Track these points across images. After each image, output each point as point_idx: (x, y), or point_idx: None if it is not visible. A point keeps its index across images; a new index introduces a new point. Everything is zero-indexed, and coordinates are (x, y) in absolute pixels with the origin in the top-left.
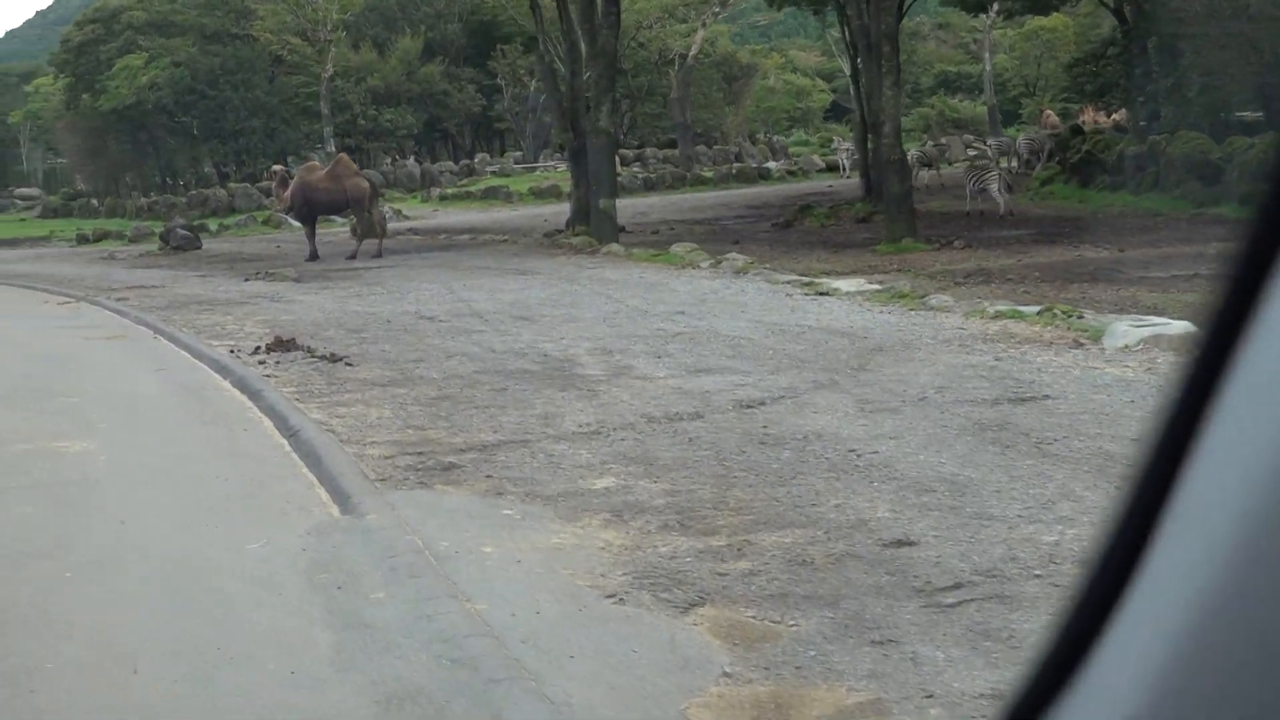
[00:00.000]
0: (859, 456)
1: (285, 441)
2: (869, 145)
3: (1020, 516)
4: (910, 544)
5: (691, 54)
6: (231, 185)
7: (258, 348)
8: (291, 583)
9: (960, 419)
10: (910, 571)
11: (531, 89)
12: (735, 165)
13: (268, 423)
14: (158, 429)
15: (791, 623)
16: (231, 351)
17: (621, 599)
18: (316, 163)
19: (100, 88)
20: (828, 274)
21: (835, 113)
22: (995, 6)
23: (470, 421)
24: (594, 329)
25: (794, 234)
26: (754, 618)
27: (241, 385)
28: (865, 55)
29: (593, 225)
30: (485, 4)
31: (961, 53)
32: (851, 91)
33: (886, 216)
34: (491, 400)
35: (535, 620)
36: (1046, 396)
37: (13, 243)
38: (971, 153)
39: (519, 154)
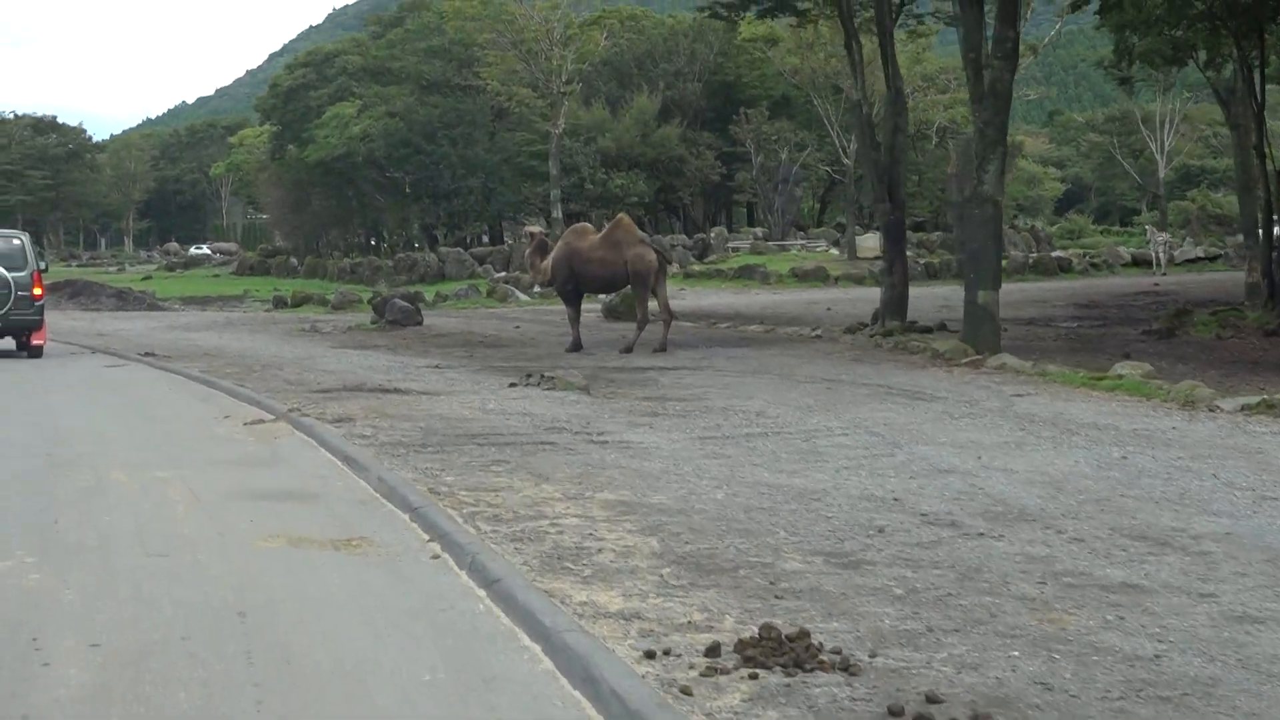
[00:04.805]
0: None
1: None
2: (1276, 231)
3: None
4: None
5: None
6: (442, 249)
7: (713, 647)
8: None
9: None
10: None
11: (784, 158)
12: (1030, 255)
13: None
14: None
15: None
16: (650, 656)
17: None
18: (588, 225)
19: (308, 137)
20: None
21: (1066, 202)
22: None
23: None
24: None
25: (1188, 348)
26: None
27: None
28: None
29: (967, 327)
30: (728, 63)
31: (1201, 146)
32: (1258, 162)
33: None
34: None
35: None
36: None
37: (204, 301)
38: None
39: (761, 230)
